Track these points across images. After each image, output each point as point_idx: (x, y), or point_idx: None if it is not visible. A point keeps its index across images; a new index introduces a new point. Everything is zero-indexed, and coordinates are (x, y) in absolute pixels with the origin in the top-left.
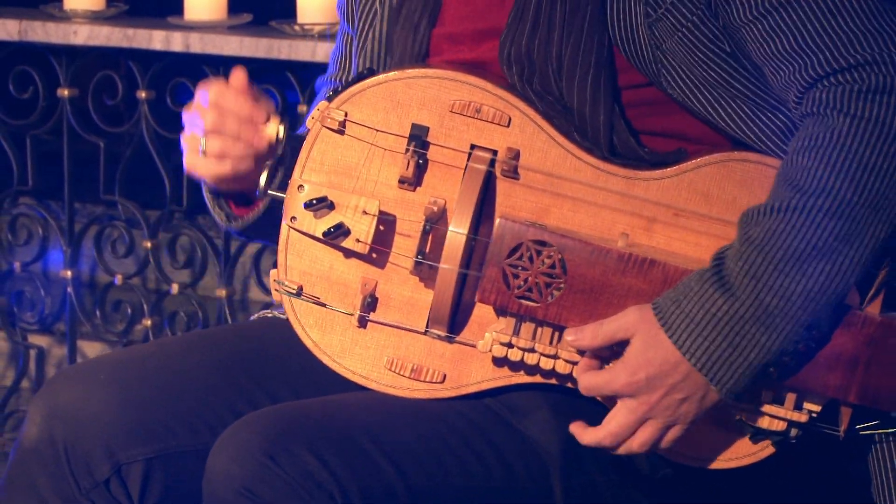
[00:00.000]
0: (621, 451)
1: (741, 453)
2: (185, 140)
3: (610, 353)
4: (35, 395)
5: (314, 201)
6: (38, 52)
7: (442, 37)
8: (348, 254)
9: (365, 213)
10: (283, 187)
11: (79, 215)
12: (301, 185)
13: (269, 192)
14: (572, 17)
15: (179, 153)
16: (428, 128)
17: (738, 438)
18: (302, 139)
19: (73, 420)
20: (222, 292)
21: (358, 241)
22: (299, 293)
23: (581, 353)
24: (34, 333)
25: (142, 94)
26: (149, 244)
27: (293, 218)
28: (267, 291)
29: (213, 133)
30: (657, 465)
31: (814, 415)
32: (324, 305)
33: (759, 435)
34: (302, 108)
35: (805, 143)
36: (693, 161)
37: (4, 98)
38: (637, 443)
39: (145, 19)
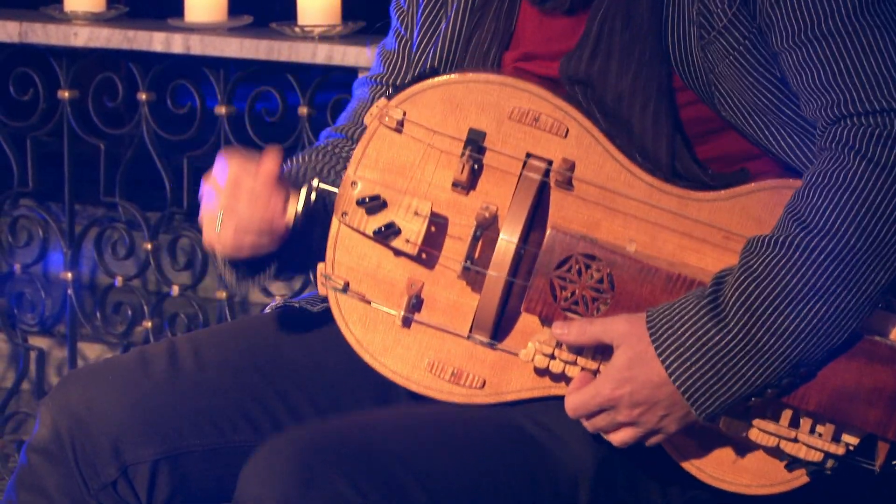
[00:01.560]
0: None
1: (776, 480)
2: (203, 214)
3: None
4: (45, 396)
5: (367, 199)
6: (38, 53)
7: (514, 59)
8: (397, 253)
9: (417, 213)
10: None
11: (79, 217)
12: (354, 182)
13: (321, 185)
14: (631, 47)
15: (180, 155)
16: (485, 133)
17: (773, 465)
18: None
19: (83, 421)
20: (223, 294)
21: (408, 241)
22: (346, 289)
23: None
24: (34, 335)
25: (142, 96)
26: (149, 246)
27: (344, 213)
28: (267, 293)
29: (230, 212)
30: (696, 499)
31: (851, 447)
32: (369, 303)
33: (795, 464)
34: (302, 111)
35: (817, 180)
36: (749, 185)
37: (5, 100)
38: (617, 439)
39: (145, 21)
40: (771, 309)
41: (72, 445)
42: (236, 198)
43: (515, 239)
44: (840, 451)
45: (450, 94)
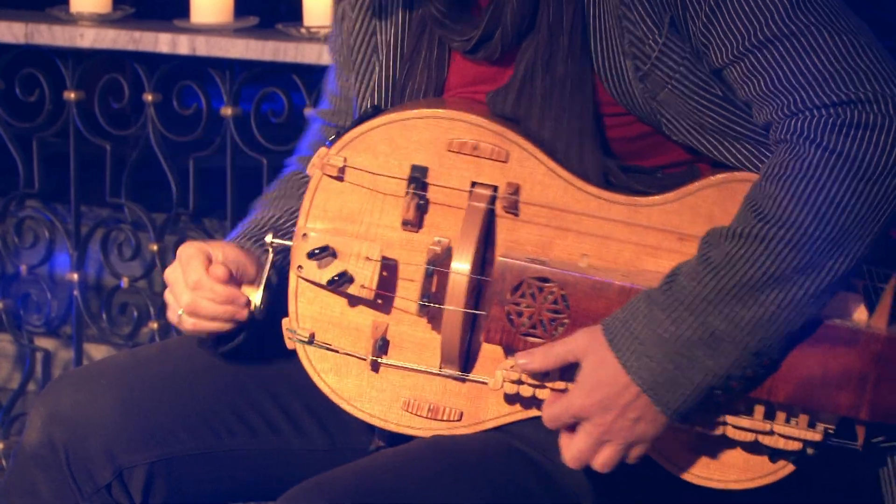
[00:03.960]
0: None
1: (762, 472)
2: (167, 298)
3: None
4: (36, 398)
5: (316, 251)
6: (44, 54)
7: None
8: (356, 300)
9: (368, 259)
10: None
11: (85, 218)
12: (305, 234)
13: (274, 240)
14: (550, 92)
15: (186, 156)
16: (427, 168)
17: (758, 459)
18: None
19: (75, 424)
20: None
21: (363, 287)
22: (311, 340)
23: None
24: (40, 336)
25: (148, 97)
26: (155, 247)
27: (300, 267)
28: None
29: (192, 309)
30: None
31: (829, 431)
32: (336, 351)
33: (777, 455)
34: (308, 111)
35: (774, 171)
36: (694, 184)
37: (11, 101)
38: (598, 464)
39: (151, 22)
40: (729, 297)
41: (64, 449)
42: (197, 301)
43: (467, 270)
44: (818, 437)
45: (388, 135)
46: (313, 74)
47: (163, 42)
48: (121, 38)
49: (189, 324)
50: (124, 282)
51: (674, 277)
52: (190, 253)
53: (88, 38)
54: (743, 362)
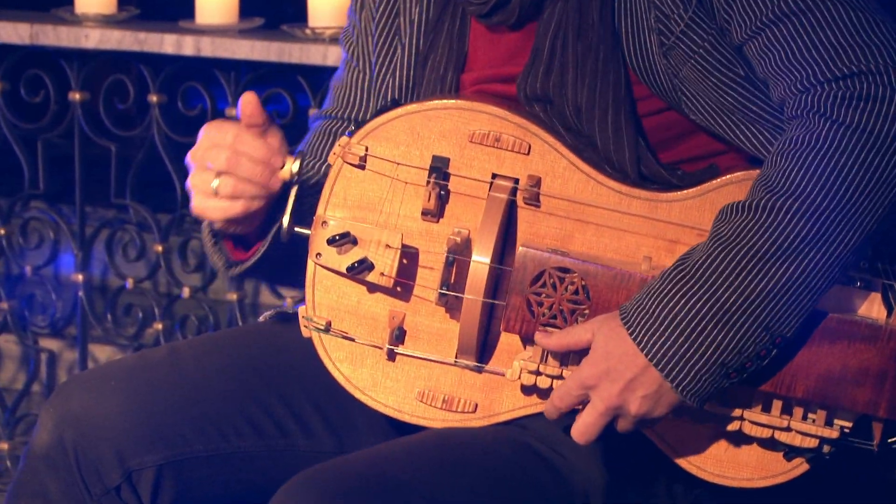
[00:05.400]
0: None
1: (776, 471)
2: (194, 181)
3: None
4: (47, 400)
5: (337, 237)
6: (49, 55)
7: (470, 82)
8: (375, 288)
9: (388, 246)
10: (305, 222)
11: (90, 219)
12: (325, 221)
13: (295, 229)
14: (584, 58)
15: None
16: (448, 159)
17: (772, 457)
18: (320, 178)
19: (85, 426)
20: (233, 296)
21: (382, 274)
22: (327, 329)
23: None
24: (45, 337)
25: (153, 98)
26: (160, 248)
27: (318, 254)
28: (278, 295)
29: (227, 174)
30: (700, 498)
31: (846, 430)
32: (352, 340)
33: (792, 452)
34: (313, 112)
35: (784, 146)
36: (716, 181)
37: (16, 102)
38: (590, 430)
39: (156, 23)
40: (739, 269)
41: (74, 450)
42: (237, 157)
43: (487, 260)
44: (834, 434)
45: (410, 125)
46: (318, 75)
47: (168, 43)
48: (126, 38)
49: (226, 195)
50: (129, 282)
51: (688, 254)
52: (219, 121)
53: (93, 38)
54: (755, 338)
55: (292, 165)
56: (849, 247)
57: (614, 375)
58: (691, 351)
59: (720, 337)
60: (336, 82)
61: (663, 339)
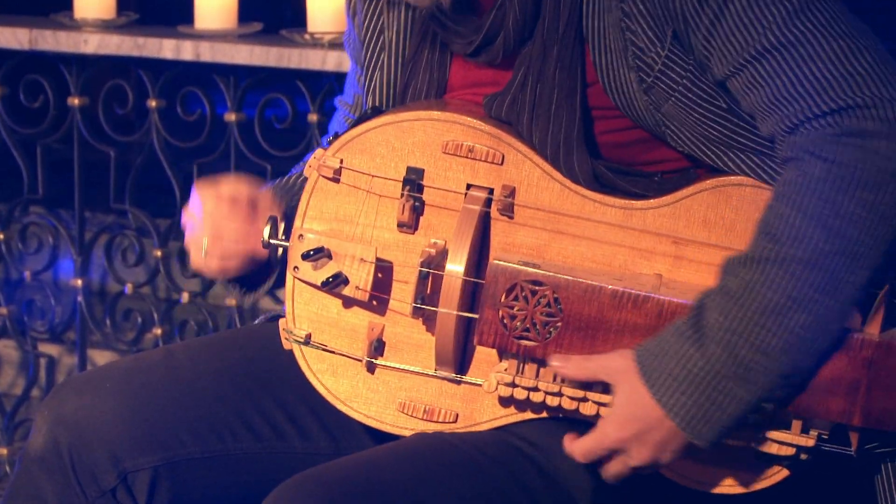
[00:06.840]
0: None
1: (757, 478)
2: (188, 241)
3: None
4: (42, 403)
5: (311, 252)
6: (48, 60)
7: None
8: (352, 301)
9: (363, 260)
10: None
11: (89, 224)
12: (301, 235)
13: (271, 241)
14: (540, 101)
15: (190, 162)
16: (423, 170)
17: (752, 464)
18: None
19: (79, 428)
20: (232, 301)
21: (358, 288)
22: (307, 341)
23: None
24: (44, 342)
25: (152, 103)
26: (159, 253)
27: (295, 268)
28: (277, 300)
29: (214, 238)
30: None
31: (823, 436)
32: (332, 352)
33: (771, 461)
34: (312, 118)
35: (782, 190)
36: (689, 188)
37: (15, 107)
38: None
39: (155, 28)
40: (754, 326)
41: (69, 453)
42: (218, 226)
43: (461, 272)
44: (811, 442)
45: (384, 137)
46: (317, 80)
47: (167, 48)
48: (125, 44)
49: (214, 263)
50: (128, 287)
51: (700, 311)
52: (205, 185)
53: (92, 43)
54: (774, 387)
55: (264, 231)
56: (858, 285)
57: (644, 439)
58: (715, 409)
59: (742, 392)
60: (349, 79)
61: (689, 403)
